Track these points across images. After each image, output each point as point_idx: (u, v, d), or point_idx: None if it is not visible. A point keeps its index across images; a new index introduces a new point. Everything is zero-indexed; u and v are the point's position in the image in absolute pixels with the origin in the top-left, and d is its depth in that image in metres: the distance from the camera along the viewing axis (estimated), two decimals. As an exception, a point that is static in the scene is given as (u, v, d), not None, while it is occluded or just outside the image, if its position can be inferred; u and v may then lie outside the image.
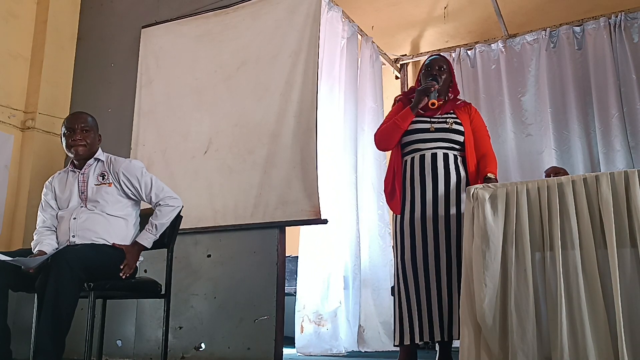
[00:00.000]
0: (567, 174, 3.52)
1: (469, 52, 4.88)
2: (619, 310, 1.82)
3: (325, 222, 3.12)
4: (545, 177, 3.46)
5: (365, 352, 3.82)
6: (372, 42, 4.60)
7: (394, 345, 2.58)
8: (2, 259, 2.31)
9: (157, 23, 3.92)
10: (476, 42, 4.85)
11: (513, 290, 2.00)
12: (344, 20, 4.15)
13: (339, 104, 4.10)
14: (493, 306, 2.01)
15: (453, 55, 4.95)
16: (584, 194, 1.97)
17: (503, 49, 4.68)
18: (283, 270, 3.19)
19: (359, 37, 4.40)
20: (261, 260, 3.19)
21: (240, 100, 3.46)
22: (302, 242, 3.82)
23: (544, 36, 4.52)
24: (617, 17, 4.27)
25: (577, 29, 4.44)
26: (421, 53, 4.96)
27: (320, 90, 3.30)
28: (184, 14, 3.82)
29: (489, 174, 2.53)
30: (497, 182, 2.46)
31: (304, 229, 3.78)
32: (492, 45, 4.77)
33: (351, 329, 3.88)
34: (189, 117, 3.62)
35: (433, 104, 2.55)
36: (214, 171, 3.43)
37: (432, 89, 2.56)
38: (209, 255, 3.36)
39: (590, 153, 4.24)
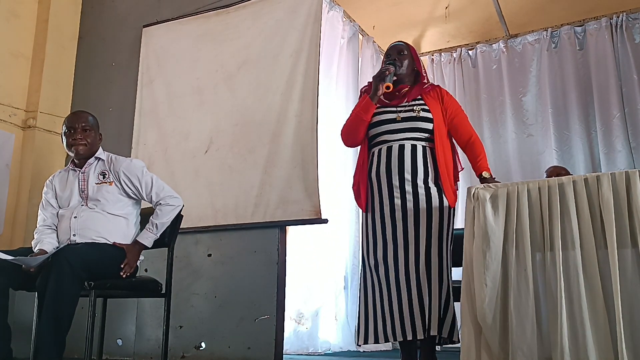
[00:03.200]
0: (568, 173, 3.53)
1: (470, 52, 4.89)
2: (619, 310, 1.82)
3: (325, 221, 3.12)
4: (547, 177, 3.47)
5: (363, 351, 3.83)
6: (374, 41, 4.60)
7: (357, 345, 2.50)
8: (3, 257, 2.31)
9: (158, 22, 3.92)
10: (477, 42, 4.85)
11: (513, 290, 1.99)
12: (345, 20, 4.16)
13: (340, 103, 4.11)
14: (493, 306, 2.00)
15: (454, 55, 4.95)
16: (585, 194, 1.96)
17: (504, 49, 4.69)
18: (284, 270, 3.19)
19: (360, 36, 4.41)
20: (262, 259, 3.19)
21: (241, 99, 3.46)
22: (290, 242, 3.82)
23: (545, 36, 4.53)
24: (618, 17, 4.28)
25: (579, 29, 4.45)
26: (423, 53, 4.96)
27: (321, 89, 3.30)
28: (185, 13, 3.82)
29: (483, 173, 2.40)
30: (493, 178, 2.39)
31: (292, 229, 3.77)
32: (493, 45, 4.78)
33: (350, 328, 3.88)
34: (189, 117, 3.62)
35: (388, 87, 2.42)
36: (214, 170, 3.43)
37: (387, 72, 2.44)
38: (209, 255, 3.37)
39: (592, 153, 4.25)
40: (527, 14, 4.42)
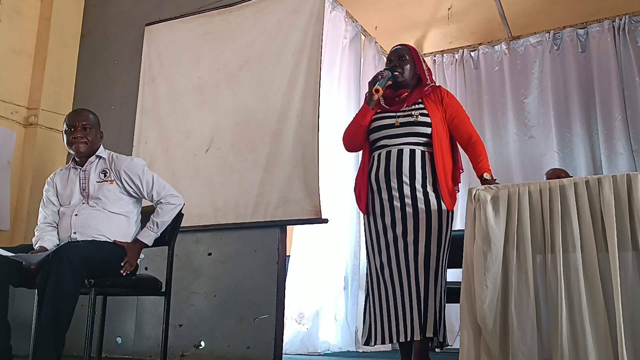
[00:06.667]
0: (568, 176, 3.52)
1: (472, 53, 4.89)
2: (620, 313, 1.82)
3: (325, 221, 3.12)
4: (546, 179, 3.46)
5: (363, 352, 3.83)
6: (376, 42, 4.60)
7: (363, 344, 2.51)
8: (4, 254, 2.31)
9: (160, 21, 3.93)
10: (480, 44, 4.86)
11: (514, 292, 1.99)
12: (347, 20, 4.16)
13: (342, 103, 4.11)
14: (494, 308, 2.00)
15: (456, 56, 4.95)
16: (586, 197, 1.96)
17: (506, 51, 4.69)
18: (284, 269, 3.19)
19: (363, 37, 4.40)
20: (262, 259, 3.19)
21: (243, 98, 3.47)
22: (295, 242, 3.83)
23: (547, 38, 4.53)
24: (621, 20, 4.28)
25: (581, 31, 4.45)
26: (425, 54, 4.96)
27: (322, 89, 3.30)
28: (187, 12, 3.83)
29: (484, 174, 2.39)
30: (494, 180, 2.37)
31: (297, 228, 3.78)
32: (495, 47, 4.78)
33: (349, 328, 3.88)
34: (191, 115, 3.62)
35: (377, 91, 2.41)
36: (215, 169, 3.44)
37: (380, 77, 2.44)
38: (209, 254, 3.37)
39: (593, 156, 4.25)
40: (529, 16, 4.42)
